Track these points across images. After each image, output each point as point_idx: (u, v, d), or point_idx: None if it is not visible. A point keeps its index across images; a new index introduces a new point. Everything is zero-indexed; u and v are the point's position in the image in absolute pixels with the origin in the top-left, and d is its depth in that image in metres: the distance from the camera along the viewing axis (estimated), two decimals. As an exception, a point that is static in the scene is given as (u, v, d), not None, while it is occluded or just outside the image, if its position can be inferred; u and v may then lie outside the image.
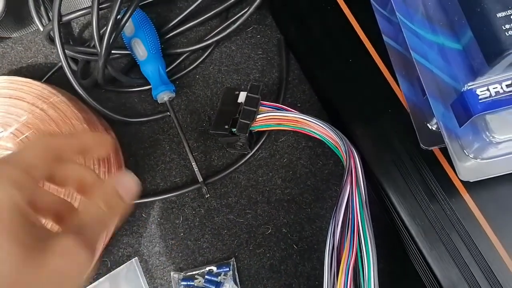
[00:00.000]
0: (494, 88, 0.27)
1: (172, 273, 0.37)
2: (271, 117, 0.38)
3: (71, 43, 0.46)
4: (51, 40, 0.43)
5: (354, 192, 0.34)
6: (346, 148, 0.35)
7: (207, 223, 0.39)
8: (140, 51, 0.42)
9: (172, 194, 0.40)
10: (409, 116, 0.36)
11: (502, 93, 0.27)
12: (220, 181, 0.40)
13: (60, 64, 0.45)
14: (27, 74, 0.46)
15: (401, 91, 0.37)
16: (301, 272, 0.37)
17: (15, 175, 0.20)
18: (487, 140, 0.30)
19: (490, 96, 0.27)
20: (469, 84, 0.28)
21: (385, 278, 0.32)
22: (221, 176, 0.40)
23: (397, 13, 0.33)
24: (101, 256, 0.37)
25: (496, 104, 0.27)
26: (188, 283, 0.37)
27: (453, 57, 0.30)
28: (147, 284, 0.37)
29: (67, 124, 0.37)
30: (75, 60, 0.45)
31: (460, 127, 0.29)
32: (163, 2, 0.47)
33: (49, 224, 0.29)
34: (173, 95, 0.42)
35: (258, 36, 0.45)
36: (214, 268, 0.37)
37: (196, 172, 0.40)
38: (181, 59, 0.45)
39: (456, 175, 0.31)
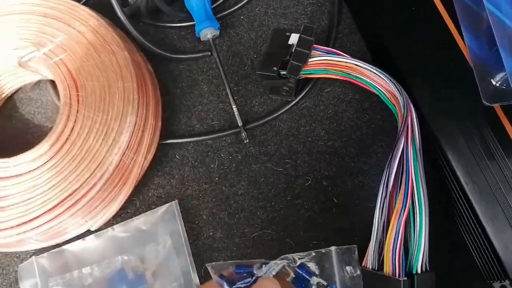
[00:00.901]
0: None
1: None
2: (324, 62, 0.35)
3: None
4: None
5: (409, 148, 0.32)
6: (404, 101, 0.33)
7: (244, 169, 0.37)
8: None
9: (208, 137, 0.38)
10: (471, 70, 0.33)
11: None
12: (260, 128, 0.38)
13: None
14: None
15: (464, 43, 0.35)
16: (340, 226, 0.35)
17: None
18: None
19: None
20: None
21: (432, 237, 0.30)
22: (262, 122, 0.38)
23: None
24: (131, 194, 0.36)
25: None
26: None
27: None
28: (184, 229, 0.35)
29: (107, 50, 0.35)
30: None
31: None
32: None
33: None
34: (217, 32, 0.39)
35: (309, -21, 0.42)
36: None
37: (236, 115, 0.37)
38: (226, -4, 0.42)
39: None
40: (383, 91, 0.35)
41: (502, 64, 0.31)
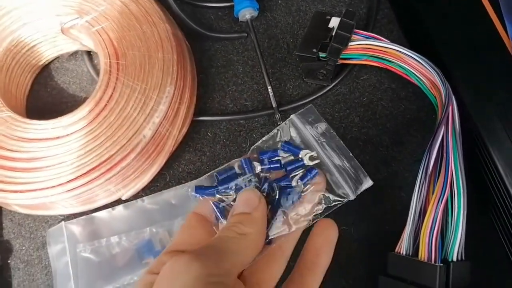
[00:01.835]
0: None
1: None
2: (365, 46, 0.35)
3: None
4: None
5: (449, 137, 0.31)
6: (446, 91, 0.32)
7: (275, 151, 0.37)
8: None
9: (241, 116, 0.38)
10: (515, 64, 0.33)
11: None
12: (293, 111, 0.38)
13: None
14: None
15: (508, 36, 0.34)
16: (371, 214, 0.35)
17: None
18: None
19: None
20: None
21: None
22: (296, 105, 0.38)
23: None
24: (163, 166, 0.36)
25: None
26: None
27: None
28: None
29: (148, 21, 0.35)
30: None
31: None
32: None
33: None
34: (256, 13, 0.39)
35: (350, -33, 0.42)
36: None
37: (270, 96, 0.37)
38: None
39: None
40: (424, 80, 0.34)
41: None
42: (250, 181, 0.25)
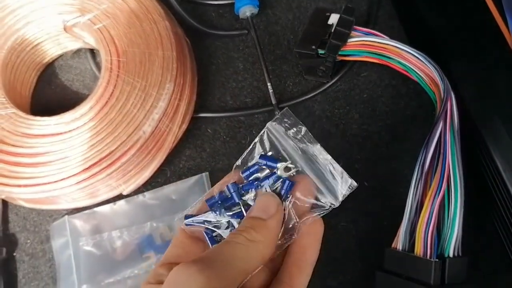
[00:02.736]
0: None
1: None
2: (364, 43, 0.35)
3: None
4: None
5: (447, 132, 0.31)
6: (445, 87, 0.32)
7: (275, 147, 0.38)
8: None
9: (241, 113, 0.38)
10: (516, 59, 0.33)
11: None
12: (293, 107, 0.38)
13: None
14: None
15: (509, 32, 0.34)
16: (369, 210, 0.35)
17: None
18: None
19: None
20: None
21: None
22: (295, 102, 0.38)
23: None
24: (163, 162, 0.36)
25: None
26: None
27: None
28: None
29: (149, 19, 0.35)
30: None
31: None
32: None
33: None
34: (256, 10, 0.40)
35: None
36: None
37: (270, 93, 0.38)
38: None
39: None
40: (422, 76, 0.34)
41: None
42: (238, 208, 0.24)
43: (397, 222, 0.31)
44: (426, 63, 0.33)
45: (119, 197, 0.36)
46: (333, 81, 0.38)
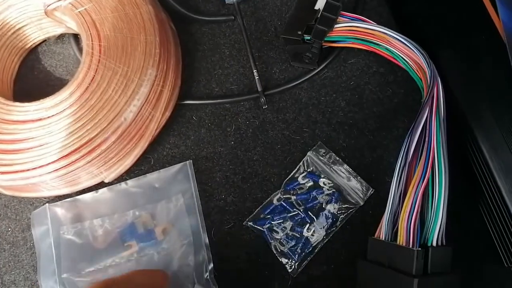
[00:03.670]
0: None
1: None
2: (351, 28, 0.35)
3: None
4: None
5: (433, 119, 0.31)
6: (431, 73, 0.32)
7: (260, 135, 0.37)
8: None
9: (226, 100, 0.38)
10: (504, 45, 0.32)
11: None
12: (279, 95, 0.38)
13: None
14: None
15: (499, 18, 0.33)
16: (354, 198, 0.35)
17: None
18: None
19: None
20: None
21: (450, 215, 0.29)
22: (281, 89, 0.37)
23: None
24: (146, 150, 0.36)
25: None
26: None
27: None
28: (197, 190, 0.35)
29: (131, 3, 0.34)
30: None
31: None
32: None
33: None
34: (243, -4, 0.39)
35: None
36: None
37: (256, 80, 0.37)
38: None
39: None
40: (410, 62, 0.34)
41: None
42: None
43: (382, 211, 0.30)
44: (413, 49, 0.33)
45: (101, 185, 0.35)
46: (320, 68, 0.38)
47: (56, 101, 0.32)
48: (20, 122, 0.32)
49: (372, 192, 0.34)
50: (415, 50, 0.33)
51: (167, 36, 0.35)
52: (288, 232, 0.34)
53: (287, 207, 0.35)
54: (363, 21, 0.35)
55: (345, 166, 0.35)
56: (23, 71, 0.40)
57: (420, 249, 0.28)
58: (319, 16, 0.34)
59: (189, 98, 0.38)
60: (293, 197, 0.35)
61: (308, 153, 0.36)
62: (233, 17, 0.40)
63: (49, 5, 0.35)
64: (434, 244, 0.28)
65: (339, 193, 0.34)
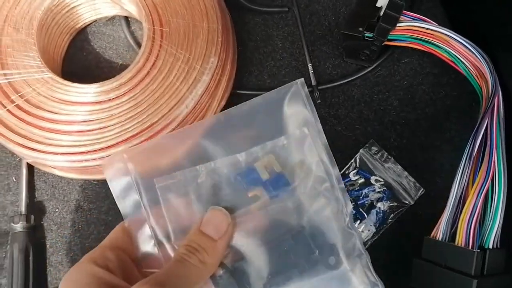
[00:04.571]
0: None
1: None
2: (412, 28, 0.34)
3: None
4: None
5: (494, 127, 0.31)
6: (494, 82, 0.32)
7: (311, 130, 0.37)
8: None
9: (279, 93, 0.38)
10: None
11: None
12: (332, 90, 0.38)
13: None
14: None
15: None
16: (404, 198, 0.35)
17: None
18: None
19: None
20: None
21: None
22: (335, 85, 0.37)
23: None
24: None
25: None
26: None
27: None
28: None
29: (193, -11, 0.34)
30: None
31: None
32: None
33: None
34: (300, -12, 0.39)
35: None
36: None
37: (310, 74, 0.37)
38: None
39: None
40: (470, 67, 0.34)
41: None
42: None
43: (433, 211, 0.31)
44: (476, 54, 0.33)
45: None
46: (374, 65, 0.38)
47: (116, 84, 0.32)
48: (79, 103, 0.32)
49: (422, 192, 0.34)
50: (479, 56, 0.32)
51: (227, 25, 0.35)
52: None
53: None
54: (425, 21, 0.34)
55: (397, 165, 0.35)
56: (72, 51, 0.40)
57: (479, 251, 0.28)
58: (382, 14, 0.34)
59: (241, 89, 0.38)
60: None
61: (361, 150, 0.36)
62: (287, 9, 0.39)
63: (109, -15, 0.35)
64: (491, 246, 0.29)
65: (390, 191, 0.35)
